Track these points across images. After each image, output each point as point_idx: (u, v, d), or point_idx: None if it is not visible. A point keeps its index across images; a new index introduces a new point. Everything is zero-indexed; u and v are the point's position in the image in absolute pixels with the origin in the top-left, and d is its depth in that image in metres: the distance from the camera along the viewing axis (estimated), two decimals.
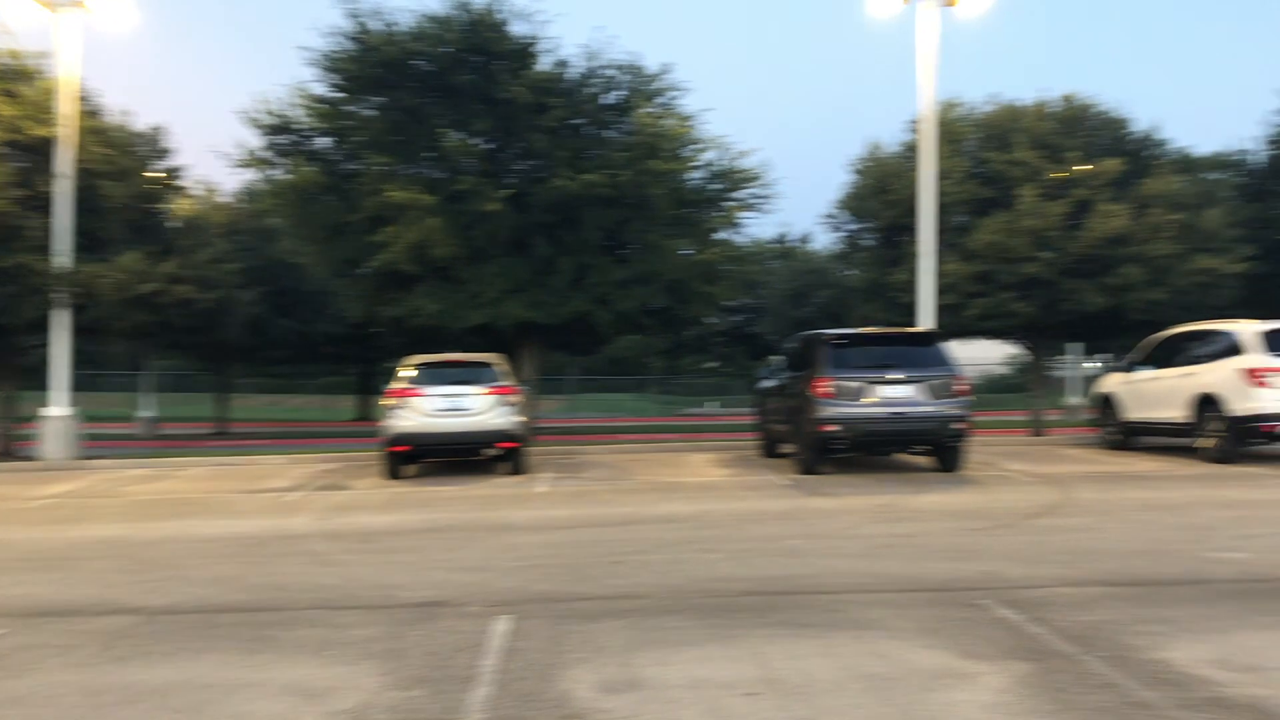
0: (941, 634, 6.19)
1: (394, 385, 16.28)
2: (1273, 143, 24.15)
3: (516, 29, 20.82)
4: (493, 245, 20.68)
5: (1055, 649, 5.82)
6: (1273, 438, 15.19)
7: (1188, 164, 25.66)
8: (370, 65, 20.34)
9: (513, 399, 15.93)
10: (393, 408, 15.89)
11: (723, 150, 21.89)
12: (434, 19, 20.55)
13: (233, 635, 6.62)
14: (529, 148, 20.76)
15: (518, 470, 16.19)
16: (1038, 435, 22.42)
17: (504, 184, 20.32)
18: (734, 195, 22.36)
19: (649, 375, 56.94)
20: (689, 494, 13.45)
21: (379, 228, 20.66)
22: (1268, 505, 11.22)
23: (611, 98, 21.75)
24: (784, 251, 46.78)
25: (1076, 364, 39.59)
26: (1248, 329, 15.51)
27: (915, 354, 15.13)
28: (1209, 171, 25.34)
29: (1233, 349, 15.55)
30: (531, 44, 20.91)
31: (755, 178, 22.16)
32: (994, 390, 58.86)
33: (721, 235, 22.54)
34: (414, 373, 16.24)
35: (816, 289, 31.17)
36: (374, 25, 20.50)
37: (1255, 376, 14.89)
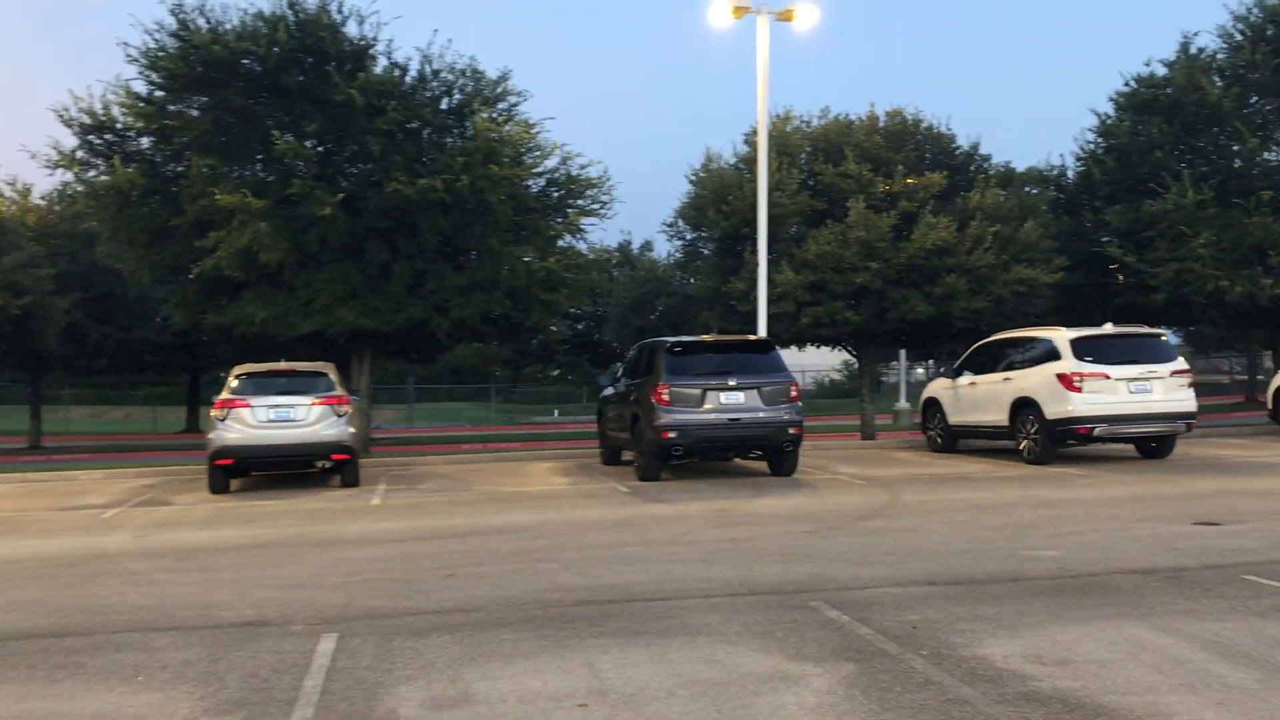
0: (772, 637, 6.25)
1: (220, 396, 15.64)
2: (1084, 159, 25.50)
3: (351, 30, 20.35)
4: (325, 250, 20.12)
5: (880, 649, 5.94)
6: (1086, 439, 16.02)
7: (1008, 179, 26.92)
8: (195, 64, 19.52)
9: (345, 409, 15.49)
10: (218, 419, 15.26)
11: (564, 157, 21.90)
12: (263, 18, 19.87)
13: (35, 663, 6.19)
14: (364, 151, 20.29)
15: (350, 482, 15.76)
16: (869, 439, 23.09)
17: (337, 188, 19.80)
18: (575, 202, 22.36)
19: (492, 384, 56.39)
20: (528, 504, 13.32)
21: (205, 232, 19.87)
22: (1080, 504, 11.78)
23: (450, 102, 21.48)
24: (627, 259, 47.05)
25: (907, 370, 40.99)
26: (1062, 336, 16.31)
27: (751, 361, 15.38)
28: (1028, 186, 26.63)
29: (1048, 355, 16.35)
30: (367, 46, 20.45)
31: (596, 184, 22.23)
32: (830, 395, 60.61)
33: (563, 242, 22.50)
34: (241, 383, 15.63)
35: (658, 297, 31.43)
36: (198, 22, 19.69)
37: (1069, 381, 15.67)
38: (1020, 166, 27.95)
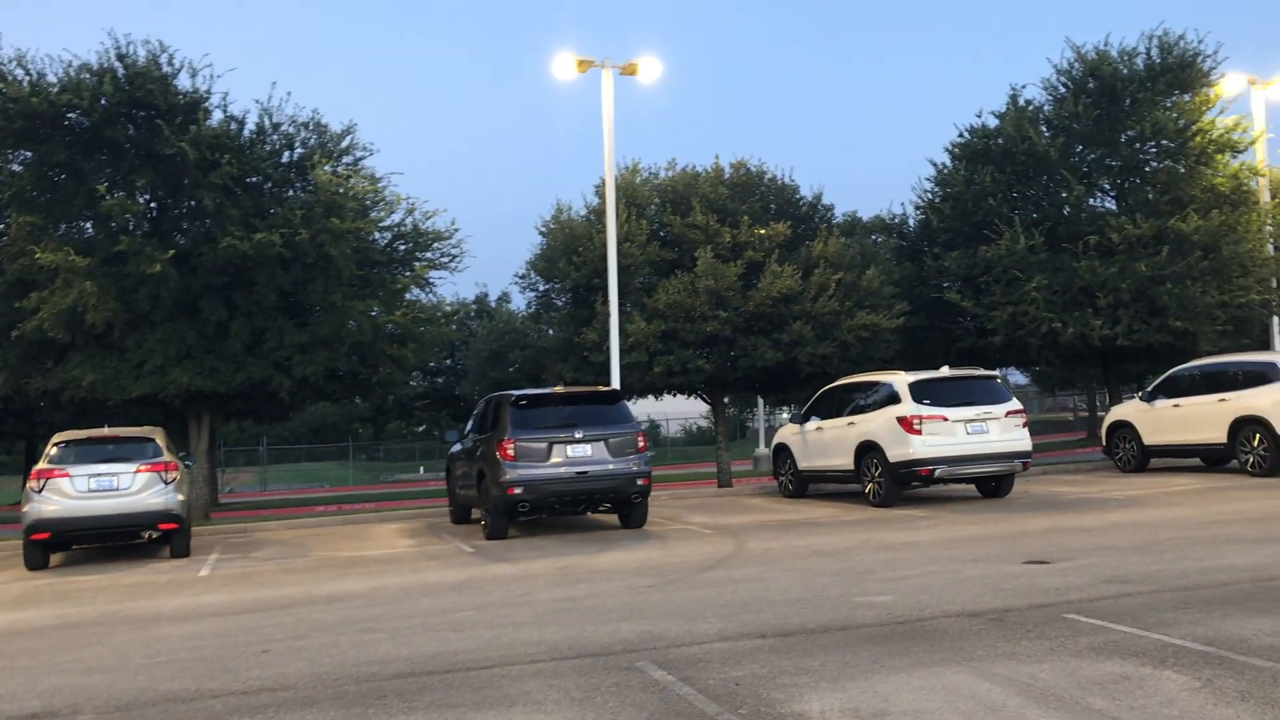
0: (590, 704, 6.02)
1: (38, 465, 14.72)
2: (923, 208, 26.33)
3: (183, 83, 19.68)
4: (157, 309, 19.29)
5: (698, 710, 5.77)
6: (928, 481, 16.31)
7: (853, 228, 27.62)
8: (14, 117, 18.57)
9: (173, 475, 14.73)
10: (34, 490, 14.34)
11: (409, 208, 21.57)
12: (89, 70, 19.07)
13: None
14: (198, 206, 19.59)
15: (180, 553, 14.97)
16: (725, 487, 23.14)
17: (170, 244, 19.05)
18: (423, 255, 22.02)
19: (351, 442, 54.98)
20: (366, 569, 12.82)
21: (26, 292, 18.85)
22: (918, 546, 11.91)
23: (292, 156, 20.96)
24: (484, 311, 46.60)
25: (766, 416, 41.49)
26: (901, 379, 16.64)
27: (598, 413, 15.23)
28: (872, 234, 27.36)
29: (889, 399, 16.64)
30: (200, 99, 19.79)
31: (444, 237, 21.94)
32: (698, 442, 60.95)
33: (411, 296, 22.07)
34: (60, 451, 14.74)
35: (514, 349, 31.11)
36: (16, 74, 18.78)
37: (909, 424, 15.96)
38: (865, 216, 28.83)
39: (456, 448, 18.02)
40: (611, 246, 21.03)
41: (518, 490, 14.34)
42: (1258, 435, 17.84)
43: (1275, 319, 24.25)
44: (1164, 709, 5.39)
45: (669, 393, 24.26)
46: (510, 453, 14.40)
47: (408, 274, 21.76)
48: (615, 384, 20.70)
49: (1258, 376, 18.28)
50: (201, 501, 21.01)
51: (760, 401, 39.88)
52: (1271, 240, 23.71)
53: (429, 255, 21.97)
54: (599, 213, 22.64)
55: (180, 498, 14.78)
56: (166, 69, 19.55)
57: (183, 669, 7.60)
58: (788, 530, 14.25)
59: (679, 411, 54.18)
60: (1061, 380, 55.62)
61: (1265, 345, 24.07)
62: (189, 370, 19.39)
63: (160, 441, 15.23)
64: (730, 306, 21.43)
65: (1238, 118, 24.00)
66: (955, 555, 11.03)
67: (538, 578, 11.18)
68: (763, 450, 34.44)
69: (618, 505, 15.24)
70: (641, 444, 14.92)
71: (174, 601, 11.01)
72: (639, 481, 14.74)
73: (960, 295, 23.72)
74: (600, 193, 22.71)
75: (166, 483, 14.59)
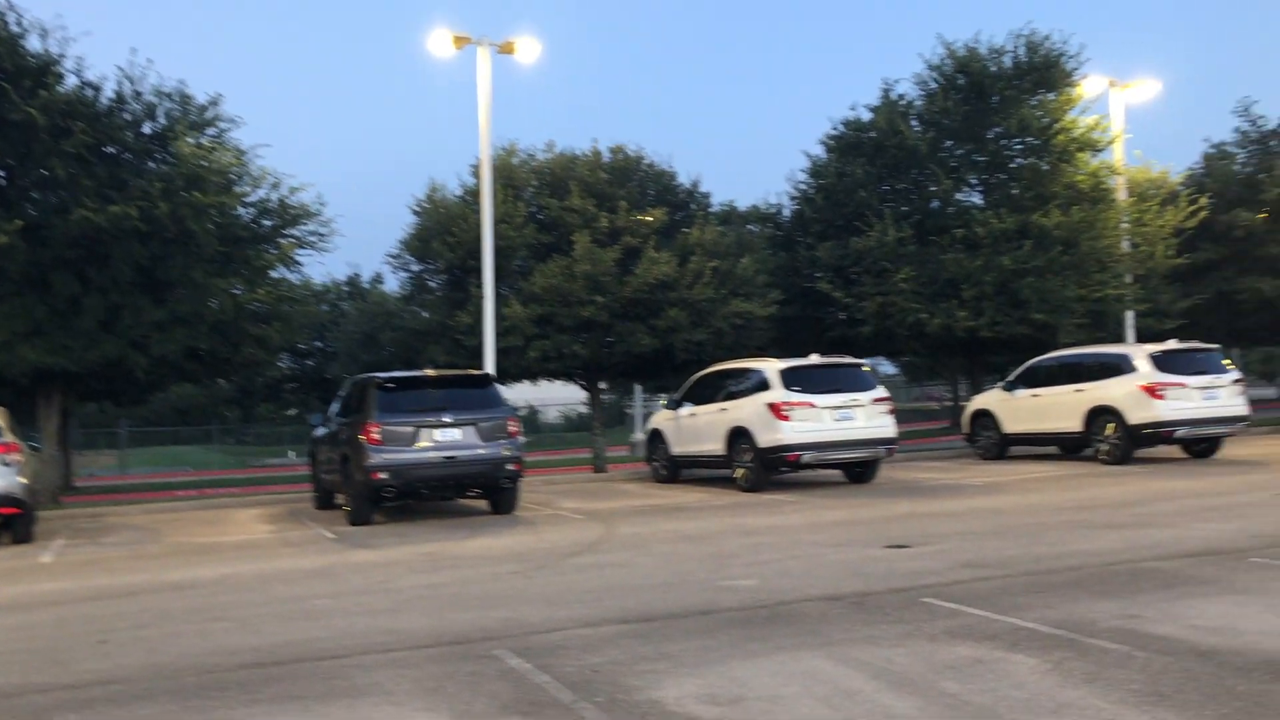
0: (442, 693, 5.84)
1: None
2: (797, 199, 26.63)
3: (32, 44, 18.62)
4: (4, 283, 18.24)
5: (553, 699, 5.64)
6: (796, 466, 16.50)
7: (730, 216, 27.83)
8: None
9: (13, 458, 13.94)
10: None
11: (274, 183, 20.83)
12: None
13: None
14: (50, 176, 18.57)
15: (22, 539, 14.20)
16: (600, 472, 23.07)
17: (20, 214, 18.02)
18: (289, 232, 21.31)
19: (216, 425, 53.26)
20: (221, 555, 12.34)
21: None
22: (784, 531, 12.00)
23: (154, 126, 20.02)
24: (356, 292, 45.58)
25: (644, 401, 41.56)
26: (772, 367, 16.78)
27: (468, 397, 14.96)
28: (749, 223, 27.59)
29: (760, 385, 16.77)
30: (50, 62, 18.74)
31: (312, 214, 21.25)
32: (578, 428, 60.76)
33: (276, 274, 21.36)
34: None
35: (386, 331, 30.45)
36: None
37: (778, 410, 16.10)
38: (742, 205, 29.09)
39: (320, 431, 17.53)
40: (487, 228, 20.72)
41: (383, 475, 14.00)
42: (1111, 424, 18.53)
43: (1129, 313, 25.22)
44: (1014, 692, 5.47)
45: (545, 378, 24.08)
46: (376, 437, 14.03)
47: (273, 251, 21.04)
48: (490, 368, 20.40)
49: (1112, 368, 18.98)
50: (50, 485, 20.01)
51: (637, 387, 39.98)
52: (1127, 237, 24.62)
53: (296, 232, 21.26)
54: (475, 193, 22.27)
55: (22, 480, 13.99)
56: (15, 29, 18.48)
57: (9, 662, 7.15)
58: (658, 515, 14.23)
59: (559, 397, 53.91)
60: (928, 370, 57.19)
61: (1120, 338, 25.01)
62: (38, 347, 18.41)
63: (1, 422, 14.40)
64: (607, 292, 21.31)
65: (1098, 117, 24.86)
66: (819, 540, 11.14)
67: (400, 564, 10.91)
68: (639, 436, 34.47)
69: (487, 491, 15.01)
70: (513, 428, 14.72)
71: (9, 590, 10.40)
72: (509, 466, 14.53)
73: (831, 285, 24.06)
74: (476, 173, 22.33)
75: (7, 464, 13.80)
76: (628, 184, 23.21)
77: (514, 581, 9.52)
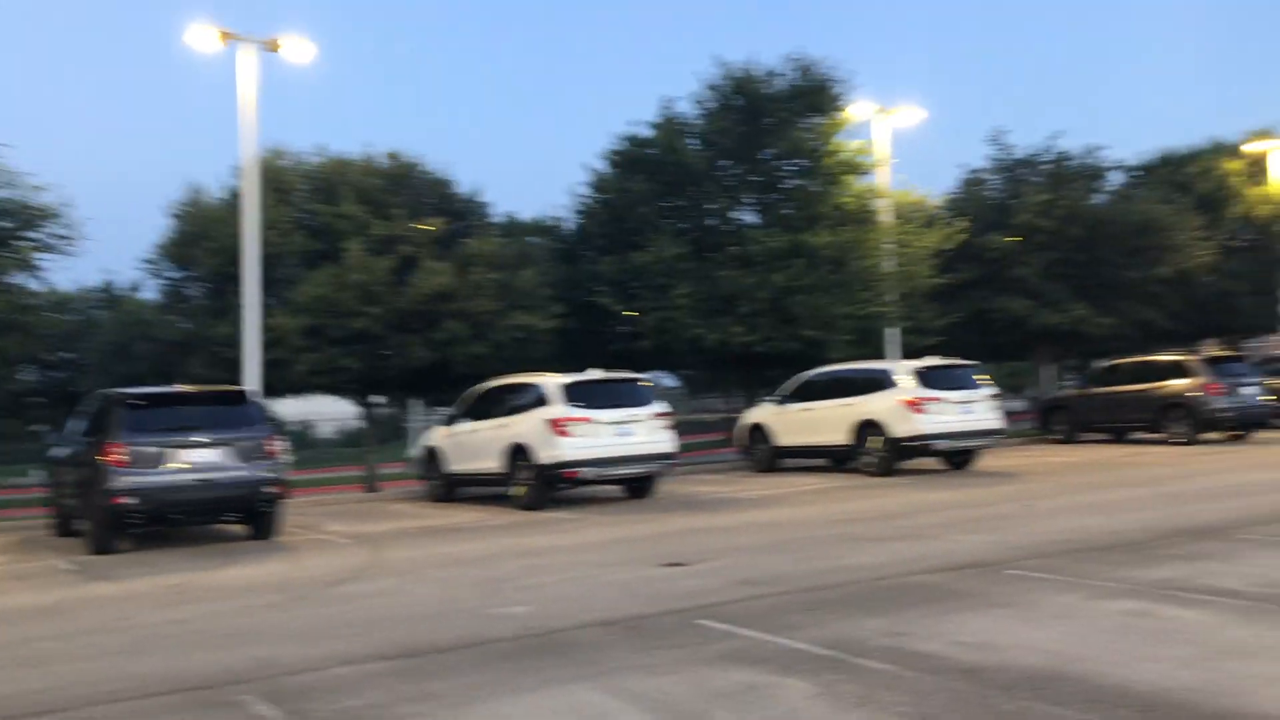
0: None
1: None
2: (581, 213, 26.54)
3: None
4: None
5: None
6: (576, 483, 16.26)
7: (512, 228, 27.43)
8: None
9: None
10: None
11: (15, 185, 19.11)
12: None
13: None
14: None
15: None
16: (372, 491, 22.20)
17: None
18: (29, 235, 19.57)
19: None
20: None
21: None
22: (561, 551, 11.73)
23: None
24: (110, 301, 42.57)
25: (423, 417, 40.54)
26: (551, 381, 16.50)
27: (224, 414, 13.98)
28: (531, 235, 27.25)
29: (540, 400, 16.46)
30: None
31: (55, 215, 19.60)
32: (350, 445, 58.69)
33: (15, 280, 19.57)
34: None
35: (142, 343, 28.48)
36: None
37: (557, 426, 15.84)
38: (526, 217, 28.72)
39: (60, 451, 16.06)
40: (251, 233, 19.61)
41: (128, 500, 12.87)
42: (876, 437, 19.19)
43: (893, 330, 26.33)
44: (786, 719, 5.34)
45: (315, 393, 23.03)
46: (120, 458, 12.90)
47: (11, 255, 19.27)
48: (253, 383, 19.29)
49: (877, 383, 19.68)
50: None
51: (416, 402, 38.93)
52: (891, 257, 25.71)
53: (37, 235, 19.57)
54: (239, 197, 21.06)
55: None
56: None
57: None
58: (431, 537, 13.69)
59: (334, 412, 51.96)
60: (708, 384, 58.39)
61: (885, 354, 26.07)
62: None
63: None
64: (381, 302, 20.57)
65: (863, 142, 25.91)
66: (597, 560, 10.91)
67: (142, 598, 10.00)
68: (418, 453, 33.55)
69: (245, 515, 14.06)
70: (272, 448, 13.83)
71: None
72: (269, 489, 13.64)
73: (613, 299, 24.07)
74: (240, 176, 21.13)
75: None
76: (404, 191, 22.53)
77: (268, 615, 8.84)
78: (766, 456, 21.45)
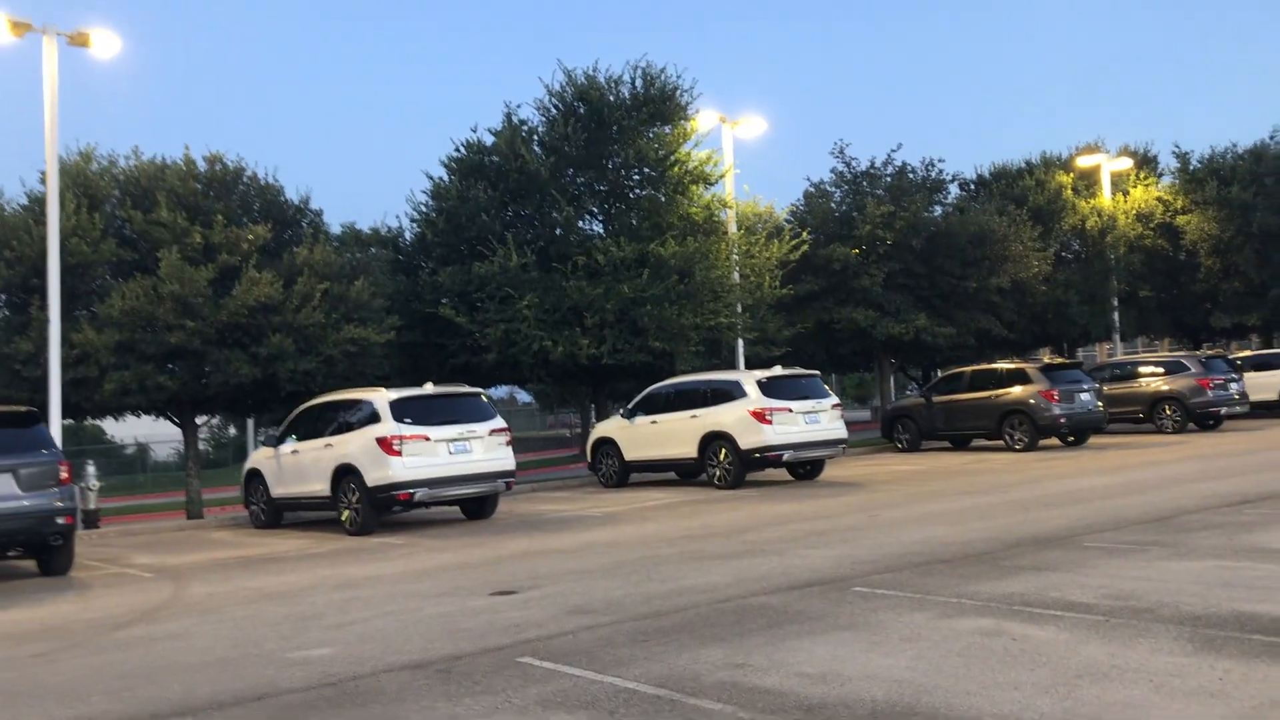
0: None
1: None
2: (420, 221, 25.48)
3: None
4: None
5: None
6: (409, 505, 15.30)
7: (350, 238, 26.21)
8: None
9: None
10: None
11: None
12: None
13: None
14: None
15: None
16: (196, 518, 20.72)
17: None
18: None
19: None
20: None
21: None
22: (384, 581, 10.81)
23: None
24: None
25: (257, 437, 38.65)
26: (382, 397, 15.52)
27: (10, 438, 12.56)
28: (367, 245, 26.03)
29: (370, 418, 15.47)
30: None
31: None
32: (180, 468, 55.82)
33: None
34: None
35: None
36: None
37: (389, 445, 14.87)
38: (366, 227, 27.49)
39: None
40: (53, 240, 18.06)
41: None
42: (723, 450, 18.79)
43: (740, 341, 26.10)
44: None
45: (127, 412, 21.40)
46: None
47: None
48: (55, 402, 17.75)
49: (724, 394, 19.30)
50: None
51: (250, 421, 37.08)
52: (737, 268, 25.47)
53: None
54: (42, 202, 19.40)
55: None
56: None
57: None
58: (244, 569, 12.56)
59: (167, 434, 49.26)
60: (561, 397, 57.63)
61: (732, 365, 25.82)
62: None
63: None
64: (200, 315, 19.17)
65: (710, 152, 25.61)
66: (421, 590, 10.04)
67: None
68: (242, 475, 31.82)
69: (33, 549, 12.67)
70: (64, 475, 12.50)
71: None
72: (60, 520, 12.30)
73: (455, 311, 23.11)
74: (44, 179, 19.48)
75: None
76: (227, 197, 21.14)
77: (32, 668, 7.71)
78: (615, 472, 20.84)
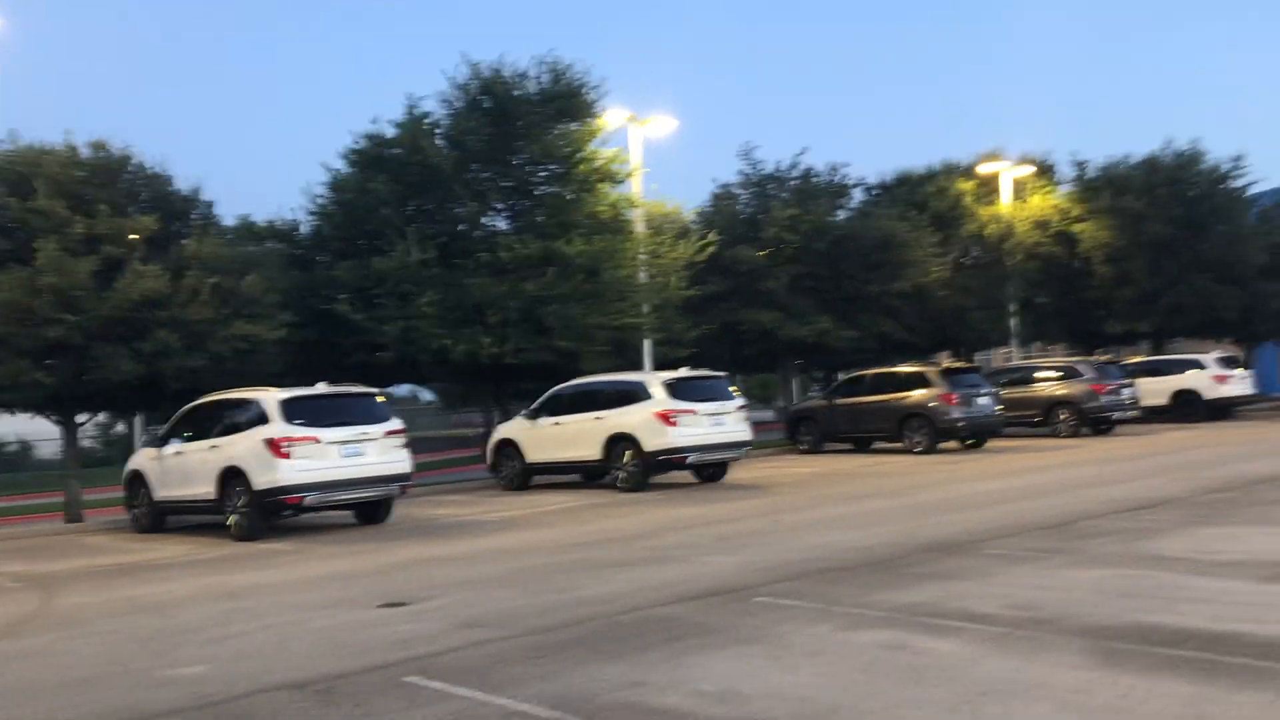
0: None
1: None
2: (317, 215, 24.74)
3: None
4: None
5: None
6: (299, 509, 14.73)
7: (244, 230, 25.28)
8: None
9: None
10: None
11: None
12: None
13: None
14: None
15: None
16: (75, 521, 19.74)
17: None
18: None
19: None
20: None
21: None
22: (268, 591, 10.31)
23: None
24: None
25: (144, 436, 37.25)
26: (271, 397, 14.91)
27: None
28: (261, 239, 25.16)
29: (259, 418, 14.85)
30: None
31: None
32: (85, 465, 53.54)
33: None
34: None
35: None
36: None
37: (277, 447, 14.28)
38: (263, 219, 26.58)
39: None
40: None
41: None
42: (628, 452, 18.54)
43: (647, 341, 25.86)
44: None
45: (1, 410, 20.32)
46: None
47: None
48: None
49: (629, 395, 19.05)
50: None
51: (138, 419, 35.68)
52: (644, 268, 25.24)
53: None
54: None
55: None
56: None
57: None
58: (121, 577, 11.91)
59: (57, 430, 47.23)
60: (464, 396, 56.84)
61: (639, 365, 25.58)
62: None
63: None
64: (81, 309, 18.22)
65: (617, 150, 25.32)
66: (307, 600, 9.58)
67: None
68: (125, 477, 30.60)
69: None
70: None
71: None
72: None
73: (352, 308, 22.43)
74: None
75: None
76: (112, 186, 20.17)
77: None
78: (517, 474, 20.44)
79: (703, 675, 6.21)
